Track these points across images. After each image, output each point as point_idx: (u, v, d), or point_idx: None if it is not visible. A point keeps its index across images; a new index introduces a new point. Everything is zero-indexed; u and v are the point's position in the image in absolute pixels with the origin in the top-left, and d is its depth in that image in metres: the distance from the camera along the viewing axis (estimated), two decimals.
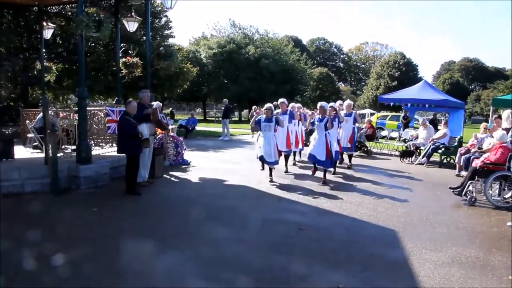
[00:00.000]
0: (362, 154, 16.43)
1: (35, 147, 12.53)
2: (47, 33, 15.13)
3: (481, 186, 8.82)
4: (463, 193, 8.78)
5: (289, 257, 5.40)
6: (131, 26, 12.94)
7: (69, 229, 6.50)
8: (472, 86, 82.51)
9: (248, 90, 49.23)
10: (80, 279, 4.67)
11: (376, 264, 5.24)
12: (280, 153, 11.41)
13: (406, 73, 63.62)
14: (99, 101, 32.70)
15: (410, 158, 14.84)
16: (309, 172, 11.58)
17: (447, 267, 5.17)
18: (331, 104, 11.87)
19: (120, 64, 13.08)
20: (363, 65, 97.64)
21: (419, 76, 64.97)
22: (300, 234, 6.42)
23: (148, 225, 6.86)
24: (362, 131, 16.83)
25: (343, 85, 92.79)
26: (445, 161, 14.12)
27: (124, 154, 8.95)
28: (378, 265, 5.23)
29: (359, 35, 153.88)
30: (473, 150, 11.41)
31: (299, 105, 13.96)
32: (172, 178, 10.97)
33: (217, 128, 27.82)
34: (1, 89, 27.76)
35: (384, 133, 20.99)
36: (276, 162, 10.71)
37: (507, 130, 9.15)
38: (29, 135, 13.04)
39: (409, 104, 20.96)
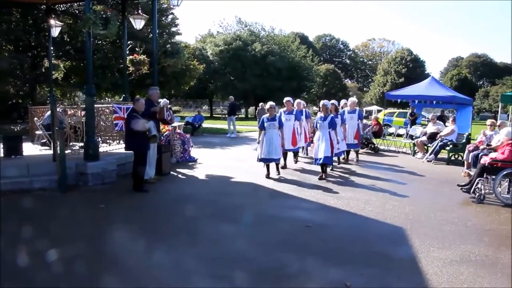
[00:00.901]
0: (369, 151, 16.37)
1: (43, 144, 12.58)
2: (55, 31, 15.18)
3: (490, 183, 8.76)
4: (472, 190, 8.72)
5: (295, 255, 5.38)
6: (138, 23, 12.95)
7: (77, 225, 6.53)
8: (481, 82, 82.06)
9: (255, 87, 49.28)
10: (86, 275, 4.68)
11: (383, 262, 5.21)
12: (286, 151, 11.65)
13: (413, 69, 63.46)
14: (106, 98, 32.78)
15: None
16: (315, 169, 11.49)
17: (455, 265, 5.14)
18: (332, 101, 11.96)
19: (127, 62, 13.11)
20: (370, 62, 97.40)
21: (426, 72, 64.82)
22: (307, 232, 6.41)
23: (154, 222, 6.87)
24: (368, 128, 16.77)
25: (349, 81, 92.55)
26: (453, 158, 14.04)
27: (132, 151, 8.97)
28: (386, 262, 5.20)
29: (366, 31, 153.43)
30: (481, 147, 11.32)
31: (303, 102, 13.98)
32: (179, 175, 10.98)
33: (223, 125, 27.81)
34: (9, 86, 27.92)
35: (391, 130, 20.95)
36: (279, 159, 10.93)
37: None
38: (37, 132, 13.09)
39: (416, 101, 20.86)
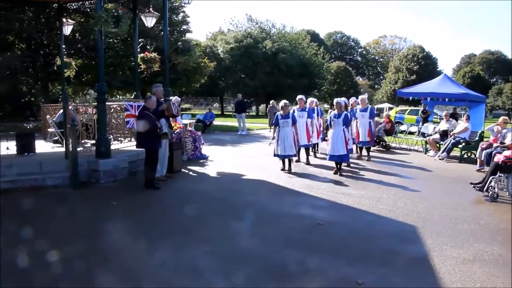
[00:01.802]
0: (381, 148, 16.28)
1: (55, 142, 12.70)
2: (67, 29, 15.25)
3: (504, 181, 8.67)
4: (485, 188, 8.64)
5: (306, 252, 5.38)
6: (149, 21, 12.96)
7: (89, 222, 6.57)
8: (494, 80, 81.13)
9: (265, 85, 49.24)
10: (97, 271, 4.71)
11: (395, 260, 5.18)
12: (299, 147, 11.97)
13: (425, 66, 62.87)
14: (118, 96, 32.97)
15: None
16: (327, 165, 11.73)
17: (468, 264, 5.09)
18: (343, 99, 12.40)
19: (138, 59, 13.15)
20: (381, 59, 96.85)
21: (438, 69, 64.23)
22: (318, 229, 6.39)
23: (166, 219, 6.90)
24: (380, 125, 16.68)
25: (361, 79, 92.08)
26: (465, 156, 13.92)
27: (143, 149, 9.00)
28: (397, 261, 5.17)
29: (377, 28, 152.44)
30: (495, 145, 11.21)
31: (315, 100, 14.13)
32: (190, 173, 11.01)
33: (234, 122, 27.83)
34: (22, 84, 28.18)
35: (403, 127, 20.82)
36: (295, 155, 11.33)
37: None
38: (49, 129, 13.20)
39: (428, 98, 20.70)
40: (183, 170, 11.10)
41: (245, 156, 13.96)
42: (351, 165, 11.99)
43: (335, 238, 6.01)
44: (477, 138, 13.93)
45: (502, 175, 8.56)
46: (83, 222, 6.60)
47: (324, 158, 12.76)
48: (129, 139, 11.65)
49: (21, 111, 31.81)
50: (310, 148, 13.38)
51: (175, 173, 10.44)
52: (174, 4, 29.32)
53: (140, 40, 14.27)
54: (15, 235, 5.70)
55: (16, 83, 26.51)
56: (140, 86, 17.32)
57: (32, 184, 8.67)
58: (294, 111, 12.12)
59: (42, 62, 26.26)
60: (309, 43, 55.29)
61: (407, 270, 4.92)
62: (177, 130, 12.22)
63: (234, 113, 30.51)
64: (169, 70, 12.63)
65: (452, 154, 14.12)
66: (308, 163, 12.39)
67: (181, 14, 31.38)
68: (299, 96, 13.14)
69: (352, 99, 14.42)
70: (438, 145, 14.70)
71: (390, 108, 38.68)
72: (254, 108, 60.31)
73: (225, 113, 56.90)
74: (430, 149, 15.12)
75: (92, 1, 18.86)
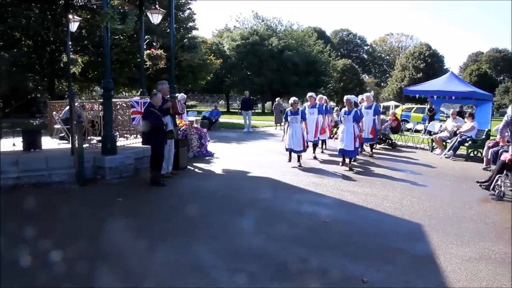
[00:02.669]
0: (387, 146, 16.25)
1: (61, 138, 12.73)
2: (73, 26, 15.27)
3: (510, 180, 8.62)
4: (491, 187, 8.60)
5: (311, 250, 5.37)
6: (155, 18, 12.96)
7: (95, 219, 6.59)
8: (501, 78, 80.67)
9: (271, 82, 49.26)
10: (101, 268, 4.72)
11: (400, 258, 5.16)
12: (307, 143, 12.20)
13: (432, 64, 62.62)
14: (124, 92, 33.03)
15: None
16: (334, 162, 12.00)
17: (474, 263, 5.07)
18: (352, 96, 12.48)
19: (145, 56, 13.17)
20: (387, 57, 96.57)
21: (445, 67, 63.98)
22: (324, 227, 6.38)
23: (171, 216, 6.90)
24: (386, 123, 16.63)
25: (367, 77, 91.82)
26: (472, 154, 13.85)
27: (149, 146, 9.01)
28: (403, 259, 5.15)
29: (384, 26, 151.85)
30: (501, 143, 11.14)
31: (325, 97, 14.46)
32: (196, 170, 11.02)
33: (240, 120, 27.83)
34: (28, 81, 28.28)
35: (409, 125, 20.75)
36: (304, 151, 11.55)
37: None
38: (56, 126, 13.24)
39: (435, 96, 20.62)
40: (188, 167, 11.11)
41: (250, 153, 13.97)
42: (357, 163, 12.02)
43: (340, 236, 6.00)
44: (483, 137, 13.87)
45: (509, 173, 8.50)
46: (89, 218, 6.62)
47: (331, 155, 13.20)
48: (135, 135, 11.67)
49: (27, 107, 31.89)
50: (318, 144, 13.71)
51: (181, 170, 10.45)
52: (181, 1, 29.33)
53: (146, 37, 14.29)
54: (21, 231, 5.71)
55: (22, 79, 26.61)
56: (146, 83, 17.35)
57: (38, 181, 8.70)
58: (305, 108, 12.44)
59: (48, 59, 26.35)
60: (315, 40, 55.19)
61: (413, 268, 4.90)
62: (183, 127, 12.23)
63: (240, 110, 30.51)
64: (175, 67, 12.63)
65: (458, 152, 14.07)
66: (315, 157, 12.76)
67: (187, 11, 31.39)
68: (309, 94, 13.52)
69: (360, 97, 14.51)
70: (444, 143, 14.64)
71: (397, 106, 38.57)
72: (260, 105, 60.28)
73: (230, 110, 56.90)
74: (436, 147, 15.07)
75: None
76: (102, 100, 10.34)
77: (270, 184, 9.48)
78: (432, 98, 21.03)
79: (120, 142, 10.91)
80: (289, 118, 11.23)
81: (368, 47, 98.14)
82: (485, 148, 12.00)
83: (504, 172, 8.44)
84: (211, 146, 14.02)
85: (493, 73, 78.37)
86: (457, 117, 15.84)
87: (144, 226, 6.29)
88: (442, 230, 6.26)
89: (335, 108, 15.29)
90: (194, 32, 33.63)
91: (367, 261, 5.05)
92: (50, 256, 4.94)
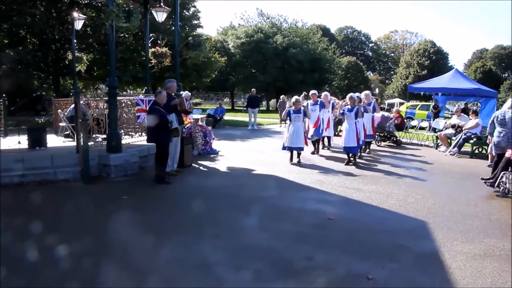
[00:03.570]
0: (392, 144, 16.23)
1: (66, 136, 12.77)
2: (78, 24, 15.32)
3: None
4: (496, 184, 8.58)
5: (316, 247, 5.38)
6: (160, 16, 12.97)
7: (100, 217, 6.63)
8: (506, 75, 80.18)
9: (276, 80, 49.23)
10: (106, 266, 4.75)
11: (405, 256, 5.17)
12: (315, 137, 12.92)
13: (436, 61, 62.41)
14: (129, 90, 33.11)
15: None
16: (339, 159, 12.08)
17: (479, 260, 5.07)
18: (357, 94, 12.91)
19: (149, 54, 13.19)
20: (392, 54, 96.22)
21: (449, 64, 63.72)
22: (329, 225, 6.39)
23: (176, 214, 6.93)
24: (390, 120, 16.61)
25: (371, 74, 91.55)
26: (476, 151, 13.82)
27: (154, 143, 9.04)
28: (408, 256, 5.15)
29: (389, 23, 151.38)
30: None
31: (328, 94, 14.64)
32: (201, 167, 11.04)
33: (245, 117, 27.82)
34: (34, 79, 28.37)
35: (414, 122, 20.71)
36: (302, 149, 11.64)
37: None
38: (61, 124, 13.28)
39: (439, 94, 20.58)
40: (193, 165, 11.13)
41: (255, 151, 13.98)
42: (362, 160, 12.04)
43: (345, 233, 6.00)
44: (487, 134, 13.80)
45: None
46: (94, 216, 6.66)
47: (336, 152, 13.33)
48: (140, 133, 11.71)
49: (32, 105, 32.02)
50: (320, 140, 13.92)
51: (185, 168, 10.48)
52: None
53: (151, 34, 14.30)
54: (25, 229, 5.76)
55: (27, 77, 26.70)
56: (151, 81, 17.38)
57: (43, 178, 8.73)
58: (307, 105, 12.58)
59: (53, 57, 26.43)
60: (320, 38, 55.10)
61: (418, 266, 4.90)
62: (188, 125, 12.25)
63: (244, 108, 30.47)
64: (179, 65, 12.65)
65: (463, 149, 14.03)
66: (314, 152, 13.13)
67: (192, 9, 31.44)
68: (311, 92, 13.95)
69: (363, 93, 14.58)
70: (449, 140, 14.61)
71: (401, 103, 38.45)
72: (264, 103, 60.24)
73: (235, 108, 56.86)
74: (441, 145, 15.04)
75: None
76: (107, 98, 10.37)
77: (275, 181, 9.49)
78: (437, 95, 20.98)
79: (125, 140, 10.95)
80: (292, 117, 11.38)
81: (373, 44, 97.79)
82: (490, 145, 11.95)
83: (509, 169, 8.42)
84: (216, 144, 14.04)
85: (498, 70, 77.91)
86: (462, 114, 15.78)
87: (149, 223, 6.32)
88: (447, 227, 6.27)
89: (340, 103, 15.36)
90: (199, 30, 33.71)
91: (372, 258, 5.06)
92: (53, 252, 4.98)
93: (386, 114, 17.23)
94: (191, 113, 11.71)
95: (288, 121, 11.70)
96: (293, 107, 11.49)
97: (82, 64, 16.55)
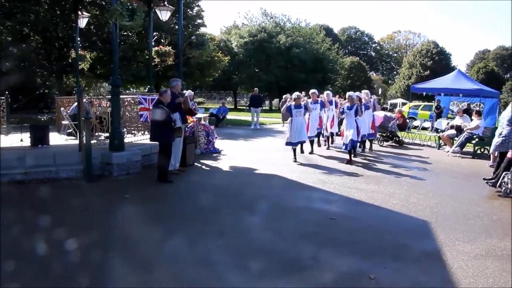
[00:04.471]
0: (394, 144, 16.22)
1: (69, 134, 12.78)
2: (82, 22, 15.33)
3: None
4: (498, 184, 8.58)
5: (319, 247, 5.38)
6: (164, 15, 12.98)
7: (102, 215, 6.66)
8: (508, 75, 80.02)
9: (279, 79, 49.27)
10: (109, 264, 4.77)
11: (407, 255, 5.18)
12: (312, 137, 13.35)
13: (439, 62, 62.40)
14: (131, 89, 33.15)
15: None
16: (341, 159, 12.14)
17: (481, 260, 5.08)
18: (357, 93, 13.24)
19: (153, 53, 13.19)
20: (395, 54, 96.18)
21: (452, 65, 63.67)
22: (331, 224, 6.40)
23: (179, 213, 6.94)
24: (393, 121, 16.60)
25: (374, 74, 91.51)
26: (479, 151, 13.81)
27: (157, 142, 9.04)
28: (410, 256, 5.17)
29: (392, 23, 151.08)
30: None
31: (330, 93, 14.80)
32: (203, 167, 11.05)
33: (247, 117, 27.84)
34: (37, 77, 28.41)
35: (416, 123, 20.70)
36: (304, 141, 12.29)
37: None
38: (63, 122, 13.28)
39: (442, 94, 20.57)
40: (196, 164, 11.14)
41: (258, 150, 13.99)
42: (364, 160, 12.08)
43: (347, 233, 6.01)
44: (490, 134, 13.80)
45: None
46: (96, 215, 6.68)
47: (338, 151, 13.39)
48: (142, 132, 11.72)
49: (35, 103, 32.11)
50: (319, 137, 14.47)
51: (188, 167, 10.48)
52: None
53: (154, 33, 14.31)
54: (28, 226, 5.79)
55: (31, 75, 26.74)
56: (153, 80, 17.40)
57: (45, 176, 8.74)
58: (308, 104, 12.54)
59: (56, 55, 26.46)
60: (323, 38, 55.06)
61: (420, 265, 4.91)
62: (191, 124, 12.26)
63: (247, 107, 30.44)
64: (182, 64, 12.66)
65: (465, 149, 14.04)
66: (319, 154, 13.14)
67: (196, 8, 31.45)
68: (311, 91, 14.17)
69: (364, 91, 14.69)
70: (452, 140, 14.60)
71: (404, 104, 38.42)
72: (267, 102, 60.23)
73: (238, 107, 56.85)
74: (444, 145, 15.04)
75: None
76: (110, 96, 10.38)
77: (277, 181, 9.50)
78: (440, 95, 20.97)
79: (128, 138, 10.96)
80: (293, 112, 11.61)
81: (376, 44, 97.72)
82: (492, 145, 11.94)
83: (511, 169, 8.41)
84: (219, 143, 14.06)
85: (500, 70, 77.74)
86: (464, 114, 15.76)
87: (151, 222, 6.32)
88: (449, 227, 6.27)
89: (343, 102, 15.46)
90: (202, 29, 33.73)
91: (374, 257, 5.07)
92: (55, 250, 5.01)
93: (388, 114, 17.23)
94: (196, 114, 11.71)
95: (289, 119, 11.86)
96: (293, 103, 11.70)
97: (85, 62, 16.58)
